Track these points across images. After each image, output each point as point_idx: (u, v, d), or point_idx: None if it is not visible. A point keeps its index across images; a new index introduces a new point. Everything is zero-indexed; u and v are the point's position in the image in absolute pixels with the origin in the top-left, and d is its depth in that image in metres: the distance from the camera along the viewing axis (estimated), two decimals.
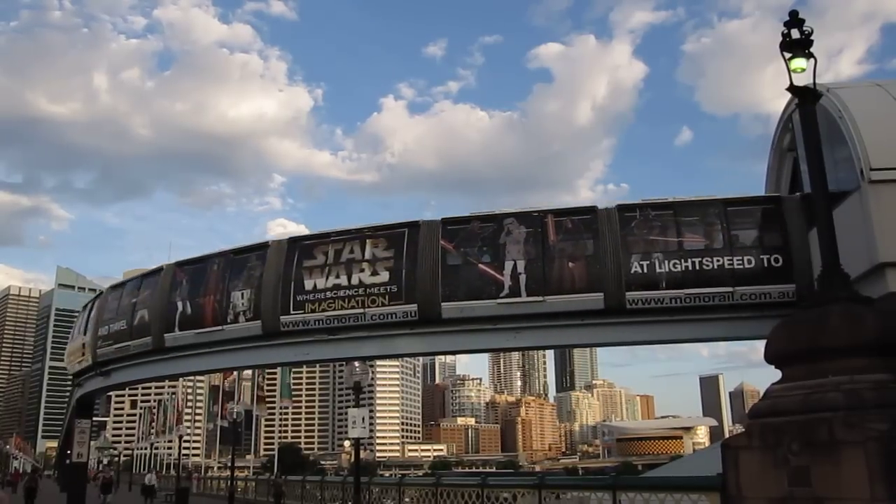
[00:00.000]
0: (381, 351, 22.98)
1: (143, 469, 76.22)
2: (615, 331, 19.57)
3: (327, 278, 21.21)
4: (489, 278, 19.88)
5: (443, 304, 19.85)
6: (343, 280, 20.99)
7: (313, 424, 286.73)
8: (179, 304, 23.92)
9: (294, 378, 57.99)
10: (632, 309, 18.50)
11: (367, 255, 20.94)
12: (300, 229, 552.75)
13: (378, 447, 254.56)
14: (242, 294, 22.38)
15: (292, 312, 21.28)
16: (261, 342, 22.46)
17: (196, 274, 24.29)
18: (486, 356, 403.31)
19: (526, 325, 19.58)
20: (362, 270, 20.80)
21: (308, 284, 21.34)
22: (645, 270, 18.63)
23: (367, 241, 21.28)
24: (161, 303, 24.43)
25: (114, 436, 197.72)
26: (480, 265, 20.15)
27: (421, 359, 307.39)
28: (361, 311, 20.45)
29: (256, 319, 21.79)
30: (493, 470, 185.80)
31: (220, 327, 22.62)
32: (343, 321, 20.71)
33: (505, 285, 19.52)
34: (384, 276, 20.62)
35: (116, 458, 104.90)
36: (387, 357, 22.56)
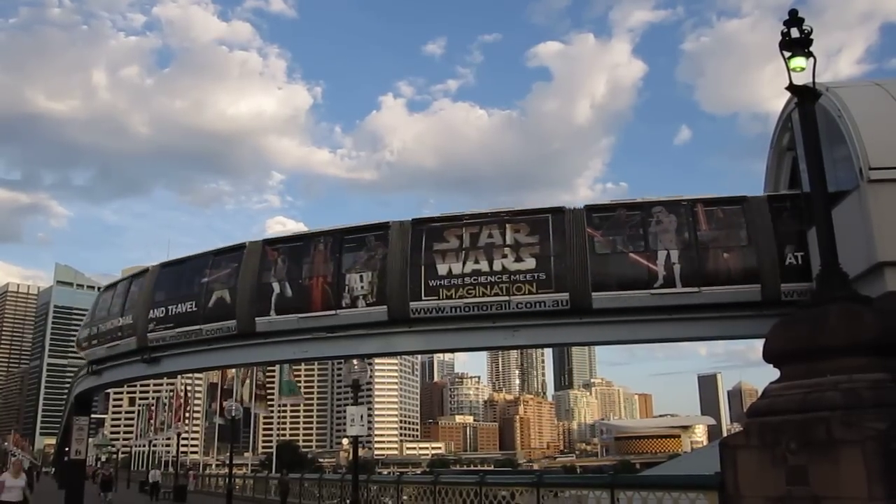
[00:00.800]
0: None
1: (142, 466, 76.25)
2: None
3: (465, 263, 20.26)
4: (641, 268, 19.27)
5: (593, 293, 19.19)
6: (484, 265, 20.05)
7: (312, 422, 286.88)
8: (276, 286, 22.25)
9: (293, 375, 57.98)
10: (786, 301, 17.65)
11: (509, 241, 20.13)
12: (299, 227, 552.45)
13: (376, 445, 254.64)
14: (362, 277, 21.18)
15: (424, 298, 20.27)
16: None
17: (295, 253, 22.70)
18: (483, 354, 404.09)
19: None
20: (505, 256, 19.94)
21: (442, 269, 20.33)
22: (799, 262, 18.13)
23: (507, 225, 20.43)
24: (249, 284, 22.61)
25: (112, 433, 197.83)
26: (631, 254, 19.53)
27: (419, 356, 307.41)
28: (506, 298, 19.59)
29: (381, 304, 20.67)
30: (491, 468, 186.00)
31: (332, 312, 21.20)
32: (485, 308, 19.77)
33: (659, 275, 18.93)
34: (530, 262, 19.82)
35: (115, 456, 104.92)
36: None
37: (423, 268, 20.54)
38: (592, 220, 20.05)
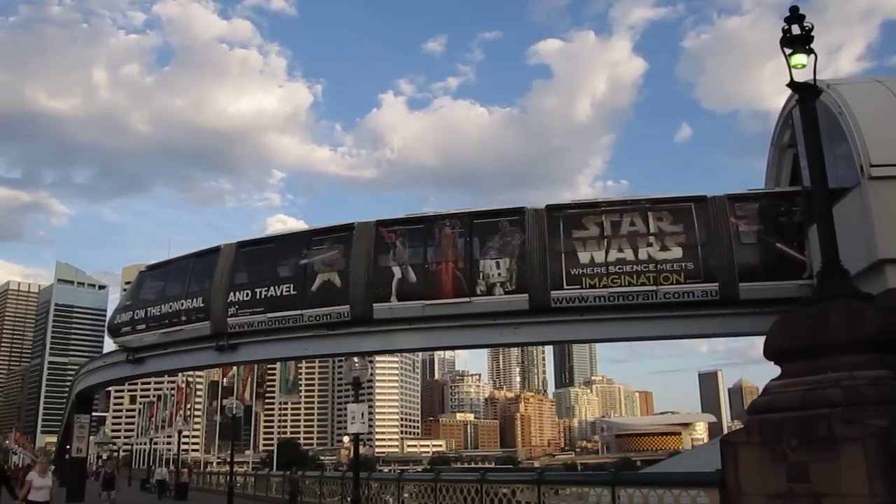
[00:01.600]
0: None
1: (142, 464, 76.34)
2: None
3: (608, 252, 19.71)
4: (789, 258, 18.94)
5: (740, 284, 18.91)
6: (628, 254, 19.56)
7: (312, 420, 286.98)
8: (397, 270, 21.08)
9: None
10: None
11: (653, 229, 19.69)
12: (300, 225, 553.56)
13: (377, 443, 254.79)
14: (498, 263, 20.30)
15: (566, 287, 19.59)
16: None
17: (416, 236, 21.60)
18: (484, 352, 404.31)
19: None
20: (650, 245, 19.52)
21: (583, 257, 19.76)
22: None
23: (649, 213, 19.96)
24: (364, 267, 21.28)
25: (113, 431, 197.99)
26: (778, 244, 19.22)
27: (420, 354, 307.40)
28: (653, 288, 19.14)
29: (522, 293, 19.87)
30: (492, 466, 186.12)
31: (466, 299, 20.23)
32: (630, 298, 19.24)
33: (808, 266, 18.54)
34: (676, 251, 19.50)
35: (115, 453, 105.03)
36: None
37: (563, 255, 19.92)
38: (735, 209, 19.79)
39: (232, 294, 23.10)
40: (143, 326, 25.63)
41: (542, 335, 22.12)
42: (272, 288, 22.51)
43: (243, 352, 23.94)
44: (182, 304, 24.29)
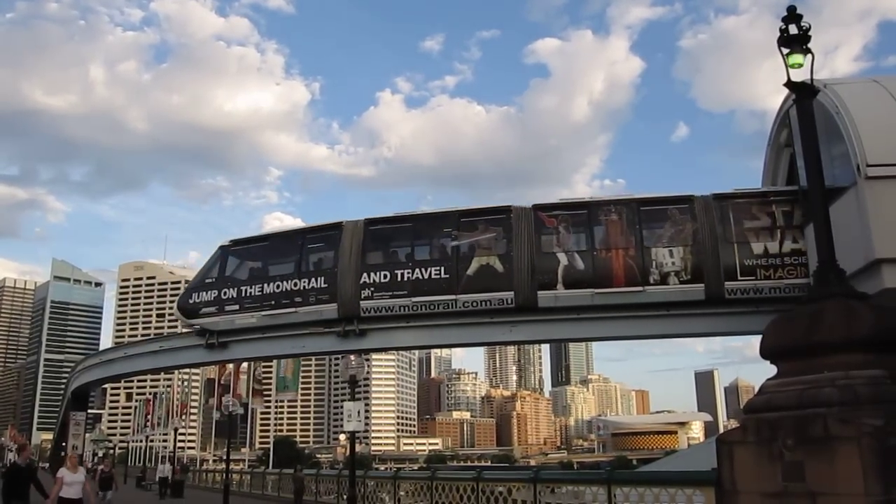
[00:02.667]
0: None
1: (138, 462, 76.22)
2: None
3: (782, 242, 18.93)
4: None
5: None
6: (803, 244, 18.74)
7: (309, 418, 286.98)
8: (562, 257, 19.99)
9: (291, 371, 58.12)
10: None
11: None
12: (297, 223, 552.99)
13: (373, 441, 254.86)
14: (671, 252, 19.46)
15: (740, 278, 18.78)
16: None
17: (579, 222, 20.55)
18: (481, 350, 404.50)
19: None
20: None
21: (756, 248, 19.04)
22: None
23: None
24: (527, 252, 20.06)
25: (109, 428, 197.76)
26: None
27: (417, 352, 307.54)
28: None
29: (697, 283, 19.01)
30: (489, 464, 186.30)
31: (639, 288, 19.32)
32: (802, 290, 17.90)
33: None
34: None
35: (111, 451, 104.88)
36: None
37: (735, 245, 19.23)
38: None
39: (365, 275, 21.25)
40: (236, 307, 23.13)
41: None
42: (418, 270, 20.87)
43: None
44: (295, 285, 22.15)
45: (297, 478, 28.26)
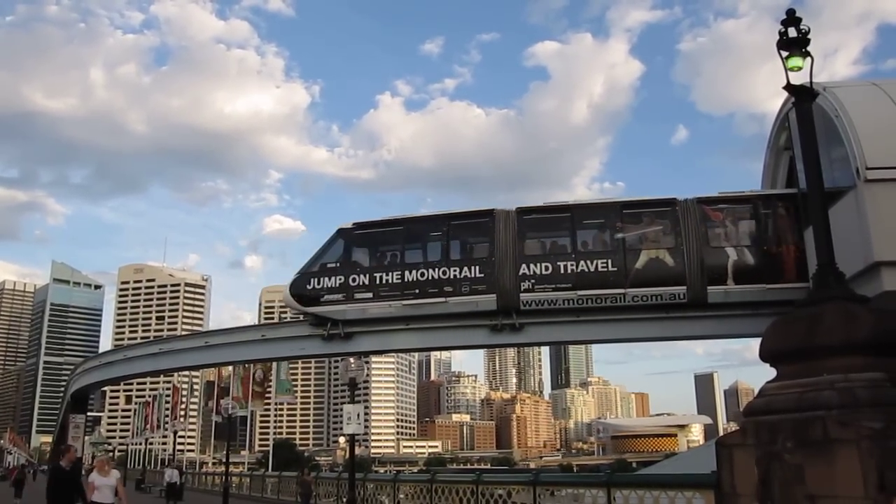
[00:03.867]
0: None
1: (137, 464, 76.17)
2: None
3: None
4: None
5: None
6: None
7: (308, 421, 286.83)
8: (731, 252, 19.38)
9: (290, 374, 57.87)
10: None
11: None
12: (296, 226, 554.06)
13: (373, 443, 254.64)
14: None
15: None
16: None
17: (742, 215, 19.68)
18: (480, 353, 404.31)
19: None
20: None
21: None
22: None
23: None
24: (695, 246, 19.27)
25: (108, 431, 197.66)
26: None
27: (416, 355, 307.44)
28: None
29: None
30: (488, 467, 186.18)
31: (805, 284, 17.97)
32: None
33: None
34: None
35: (111, 453, 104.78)
36: None
37: None
38: None
39: (524, 267, 20.25)
40: (369, 295, 21.45)
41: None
42: (583, 263, 19.90)
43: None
44: (444, 273, 20.82)
45: (303, 481, 27.06)
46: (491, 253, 20.78)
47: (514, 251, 20.51)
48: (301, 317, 23.58)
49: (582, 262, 19.98)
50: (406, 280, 21.28)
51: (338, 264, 22.38)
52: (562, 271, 20.04)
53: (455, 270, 20.76)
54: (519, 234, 20.79)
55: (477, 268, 20.66)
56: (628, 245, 20.00)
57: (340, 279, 21.93)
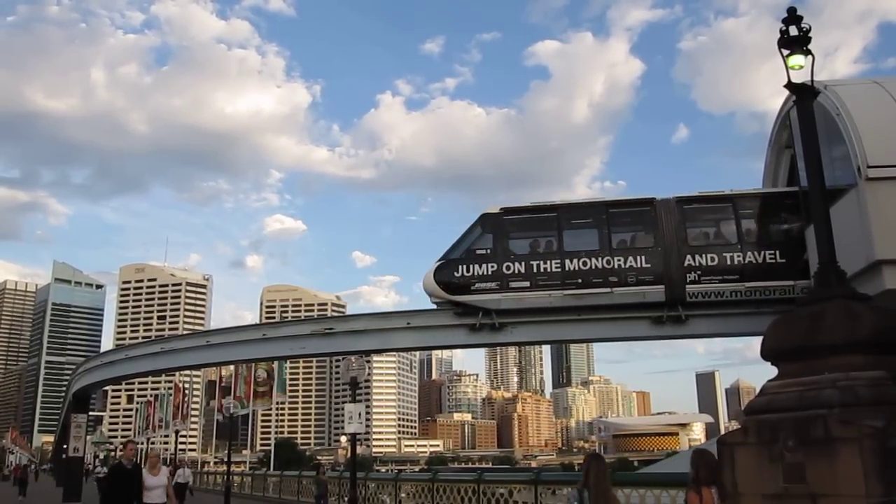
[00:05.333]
0: None
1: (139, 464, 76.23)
2: None
3: None
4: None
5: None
6: None
7: (310, 420, 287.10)
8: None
9: (291, 373, 57.50)
10: None
11: None
12: (297, 225, 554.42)
13: (374, 443, 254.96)
14: None
15: None
16: None
17: None
18: (482, 352, 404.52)
19: None
20: None
21: None
22: None
23: None
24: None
25: (110, 430, 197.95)
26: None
27: (417, 354, 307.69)
28: None
29: None
30: (489, 466, 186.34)
31: None
32: None
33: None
34: None
35: (113, 453, 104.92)
36: None
37: None
38: None
39: (690, 257, 19.61)
40: (526, 284, 20.44)
41: None
42: (751, 254, 19.14)
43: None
44: (608, 262, 20.07)
45: (320, 481, 25.51)
46: (656, 242, 20.14)
47: (679, 241, 19.85)
48: (437, 305, 22.20)
49: (751, 254, 19.28)
50: (567, 269, 20.28)
51: (487, 251, 21.17)
52: (729, 262, 19.35)
53: (619, 260, 19.95)
54: (681, 223, 20.13)
55: (643, 257, 19.89)
56: (796, 235, 19.02)
57: (493, 267, 20.79)
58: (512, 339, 22.19)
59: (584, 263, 20.11)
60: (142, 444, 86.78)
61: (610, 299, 19.76)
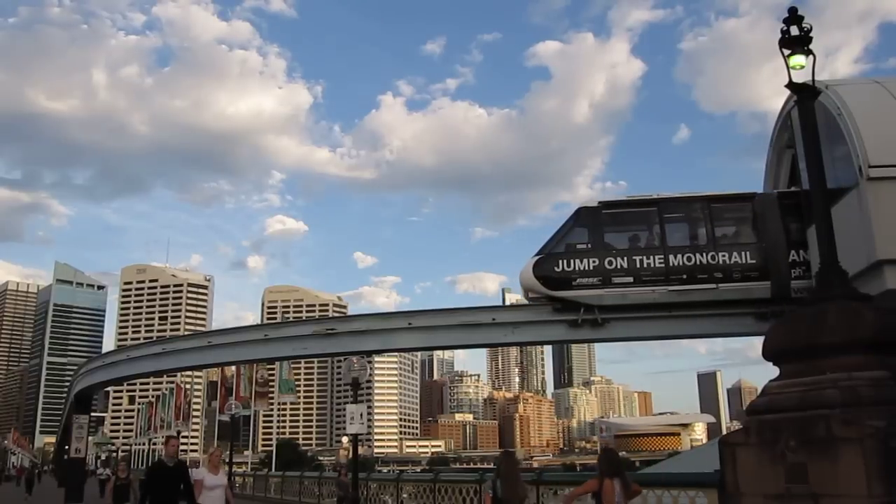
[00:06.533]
0: None
1: (141, 465, 76.30)
2: None
3: None
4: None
5: None
6: None
7: (311, 420, 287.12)
8: None
9: (293, 373, 57.82)
10: None
11: None
12: (299, 226, 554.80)
13: (376, 443, 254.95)
14: None
15: None
16: None
17: None
18: (483, 352, 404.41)
19: None
20: None
21: None
22: None
23: None
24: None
25: (112, 431, 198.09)
26: None
27: (419, 354, 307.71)
28: None
29: None
30: (491, 466, 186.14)
31: None
32: None
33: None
34: None
35: (115, 454, 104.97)
36: None
37: None
38: None
39: (794, 253, 19.21)
40: (629, 279, 20.10)
41: None
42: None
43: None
44: (713, 258, 19.63)
45: (342, 482, 23.58)
46: (759, 238, 19.81)
47: (782, 237, 19.51)
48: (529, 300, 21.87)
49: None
50: (671, 264, 20.00)
51: (588, 245, 20.83)
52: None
53: (724, 255, 19.55)
54: (782, 218, 19.73)
55: (747, 253, 19.41)
56: None
57: (594, 262, 20.37)
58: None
59: (689, 259, 19.88)
60: (143, 444, 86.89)
61: (716, 295, 19.33)
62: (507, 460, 10.19)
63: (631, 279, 20.04)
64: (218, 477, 10.98)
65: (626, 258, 20.24)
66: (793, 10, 9.87)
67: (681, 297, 19.73)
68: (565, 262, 20.53)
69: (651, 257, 20.15)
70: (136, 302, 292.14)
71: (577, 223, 21.24)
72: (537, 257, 20.90)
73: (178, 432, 61.82)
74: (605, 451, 9.75)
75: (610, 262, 20.27)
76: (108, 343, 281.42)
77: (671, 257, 19.92)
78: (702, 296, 19.51)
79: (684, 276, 19.78)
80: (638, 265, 20.10)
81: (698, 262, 19.78)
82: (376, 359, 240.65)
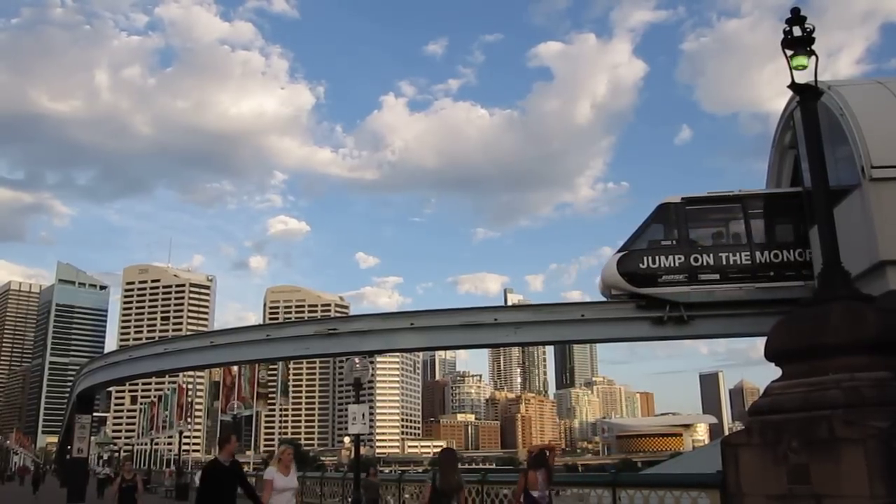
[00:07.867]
0: None
1: (143, 465, 76.35)
2: None
3: None
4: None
5: None
6: None
7: (313, 421, 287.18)
8: None
9: (294, 374, 57.67)
10: None
11: None
12: (301, 226, 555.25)
13: (378, 443, 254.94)
14: None
15: None
16: None
17: None
18: (485, 352, 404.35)
19: None
20: None
21: None
22: None
23: None
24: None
25: (114, 431, 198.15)
26: None
27: (421, 355, 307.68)
28: None
29: None
30: (493, 466, 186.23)
31: None
32: None
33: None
34: None
35: (117, 454, 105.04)
36: None
37: None
38: None
39: None
40: (716, 276, 19.74)
41: None
42: None
43: None
44: (800, 255, 19.23)
45: (370, 484, 21.36)
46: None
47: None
48: (612, 297, 21.48)
49: None
50: (758, 261, 19.67)
51: (673, 242, 20.48)
52: None
53: (811, 252, 18.90)
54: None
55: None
56: None
57: (680, 258, 20.10)
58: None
59: (776, 256, 19.58)
60: (145, 445, 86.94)
61: (803, 293, 18.37)
62: (445, 455, 11.09)
63: (717, 276, 19.77)
64: (289, 478, 10.21)
65: (712, 255, 19.93)
66: (795, 11, 9.88)
67: (767, 294, 19.33)
68: (650, 258, 20.28)
69: (737, 254, 19.85)
70: (138, 302, 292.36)
71: (658, 219, 20.94)
72: (620, 254, 20.60)
73: (181, 432, 61.89)
74: (532, 452, 11.40)
75: (696, 259, 20.01)
76: (111, 343, 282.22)
77: (757, 254, 19.63)
78: (790, 293, 18.81)
79: (771, 273, 19.49)
80: (724, 262, 19.83)
81: (785, 259, 19.48)
82: (378, 359, 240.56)
